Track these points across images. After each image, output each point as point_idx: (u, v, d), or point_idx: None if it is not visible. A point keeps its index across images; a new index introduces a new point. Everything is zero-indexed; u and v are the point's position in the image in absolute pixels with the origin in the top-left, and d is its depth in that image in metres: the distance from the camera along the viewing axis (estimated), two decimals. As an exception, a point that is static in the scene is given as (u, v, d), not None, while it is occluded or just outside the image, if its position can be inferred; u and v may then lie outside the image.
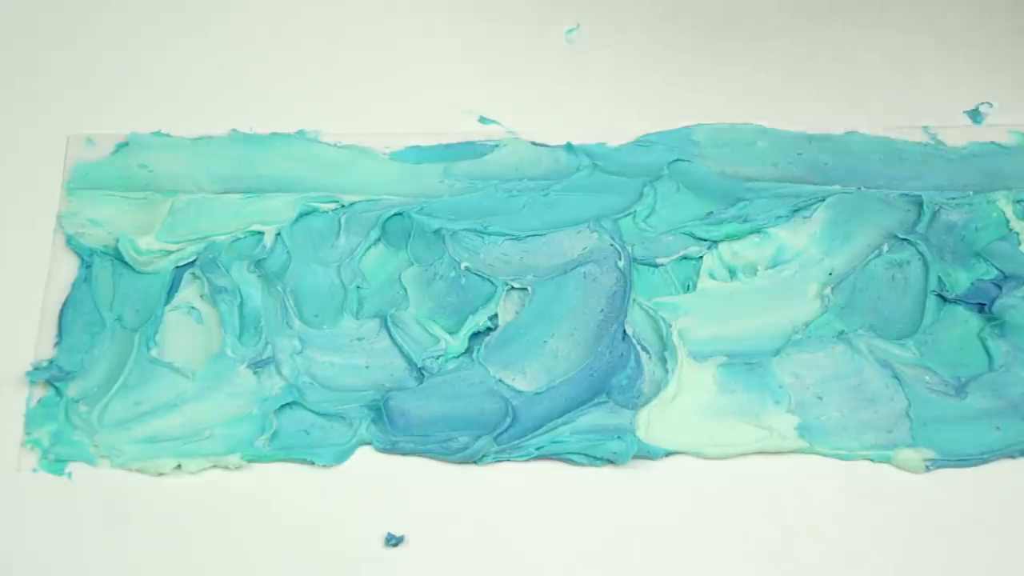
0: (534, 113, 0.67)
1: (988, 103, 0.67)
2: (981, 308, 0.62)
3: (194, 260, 0.63)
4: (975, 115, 0.67)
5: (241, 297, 0.62)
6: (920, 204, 0.64)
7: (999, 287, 0.62)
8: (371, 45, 0.70)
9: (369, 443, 0.60)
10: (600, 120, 0.67)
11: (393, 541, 0.57)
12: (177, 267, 0.63)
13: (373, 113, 0.67)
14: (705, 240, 0.64)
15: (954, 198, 0.64)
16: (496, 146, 0.66)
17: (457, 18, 0.71)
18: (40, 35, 0.70)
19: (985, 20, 0.70)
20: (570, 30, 0.70)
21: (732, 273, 0.63)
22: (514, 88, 0.68)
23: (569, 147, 0.66)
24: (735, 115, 0.67)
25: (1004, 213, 0.64)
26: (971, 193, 0.64)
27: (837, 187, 0.65)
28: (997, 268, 0.63)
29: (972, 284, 0.63)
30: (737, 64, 0.69)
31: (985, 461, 0.59)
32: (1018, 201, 0.64)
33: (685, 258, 0.63)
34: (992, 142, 0.66)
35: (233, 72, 0.69)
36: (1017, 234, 0.64)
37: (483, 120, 0.67)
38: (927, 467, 0.58)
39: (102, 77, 0.69)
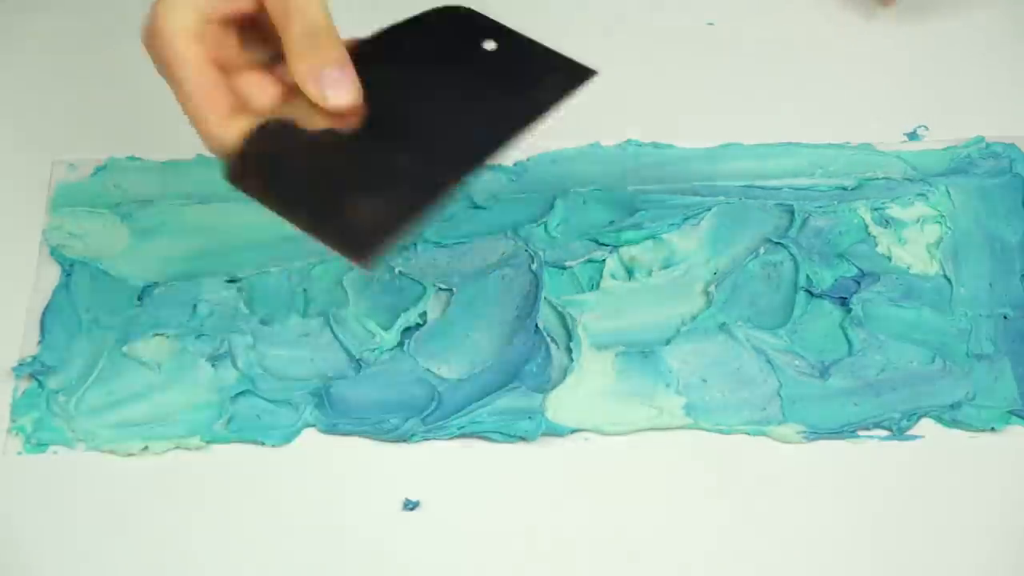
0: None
1: (925, 126, 0.69)
2: (843, 302, 0.63)
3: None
4: (912, 135, 0.68)
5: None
6: (792, 212, 0.65)
7: (858, 283, 0.63)
8: None
9: (313, 425, 0.61)
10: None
11: (410, 505, 0.59)
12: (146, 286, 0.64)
13: None
14: (607, 245, 0.65)
15: (821, 206, 0.65)
16: None
17: None
18: (29, 73, 0.71)
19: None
20: None
21: (630, 273, 0.64)
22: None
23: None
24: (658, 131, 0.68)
25: (863, 220, 0.65)
26: (836, 202, 0.65)
27: (721, 198, 0.66)
28: (856, 267, 0.64)
29: (835, 281, 0.64)
30: (667, 85, 0.70)
31: (845, 433, 0.60)
32: (875, 209, 0.65)
33: (590, 261, 0.64)
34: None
35: None
36: (874, 237, 0.65)
37: None
38: (804, 438, 0.60)
39: (83, 110, 0.69)
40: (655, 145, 0.68)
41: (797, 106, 0.69)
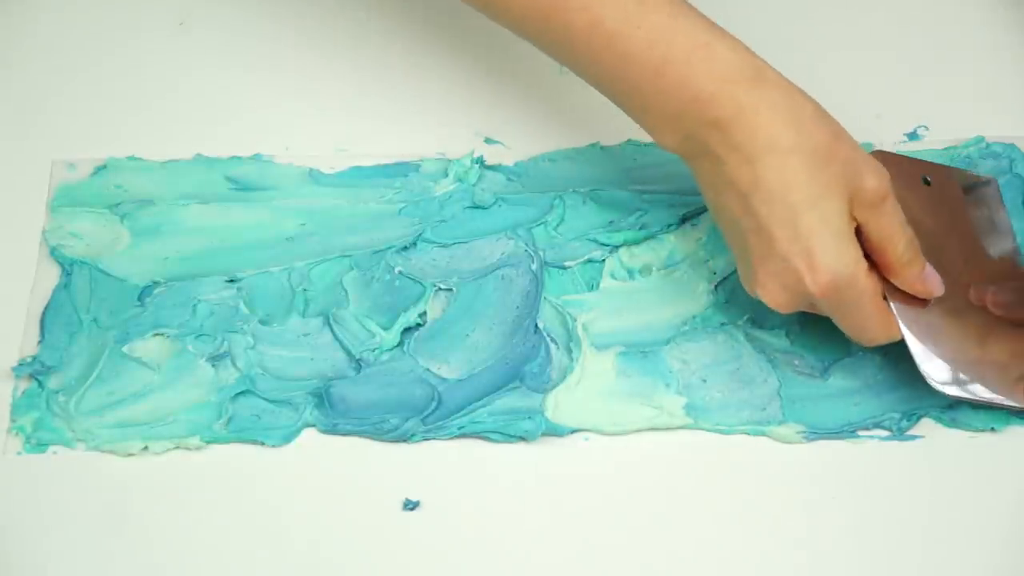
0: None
1: (925, 126, 0.69)
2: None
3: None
4: (912, 135, 0.68)
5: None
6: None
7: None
8: (323, 76, 0.71)
9: (313, 426, 0.60)
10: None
11: (410, 505, 0.59)
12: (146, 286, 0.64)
13: (323, 137, 0.68)
14: (607, 245, 0.65)
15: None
16: (420, 165, 0.67)
17: (424, 50, 0.72)
18: (29, 73, 0.71)
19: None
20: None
21: (630, 274, 0.64)
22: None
23: (480, 162, 0.67)
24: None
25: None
26: None
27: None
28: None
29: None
30: None
31: (845, 433, 0.60)
32: None
33: (590, 261, 0.64)
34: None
35: (199, 103, 0.70)
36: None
37: (488, 140, 0.68)
38: (804, 438, 0.60)
39: (83, 110, 0.69)
40: (655, 145, 0.67)
41: (797, 106, 0.69)
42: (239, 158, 0.67)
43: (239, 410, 0.61)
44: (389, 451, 0.60)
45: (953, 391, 0.59)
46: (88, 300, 0.63)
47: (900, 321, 0.59)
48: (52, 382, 0.61)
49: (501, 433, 0.60)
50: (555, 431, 0.60)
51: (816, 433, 0.60)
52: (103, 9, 0.73)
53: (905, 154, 0.65)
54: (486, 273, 0.64)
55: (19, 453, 0.60)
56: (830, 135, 0.57)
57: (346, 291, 0.63)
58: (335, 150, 0.68)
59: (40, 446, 0.60)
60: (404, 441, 0.60)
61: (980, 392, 0.59)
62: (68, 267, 0.64)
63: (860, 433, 0.60)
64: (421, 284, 0.64)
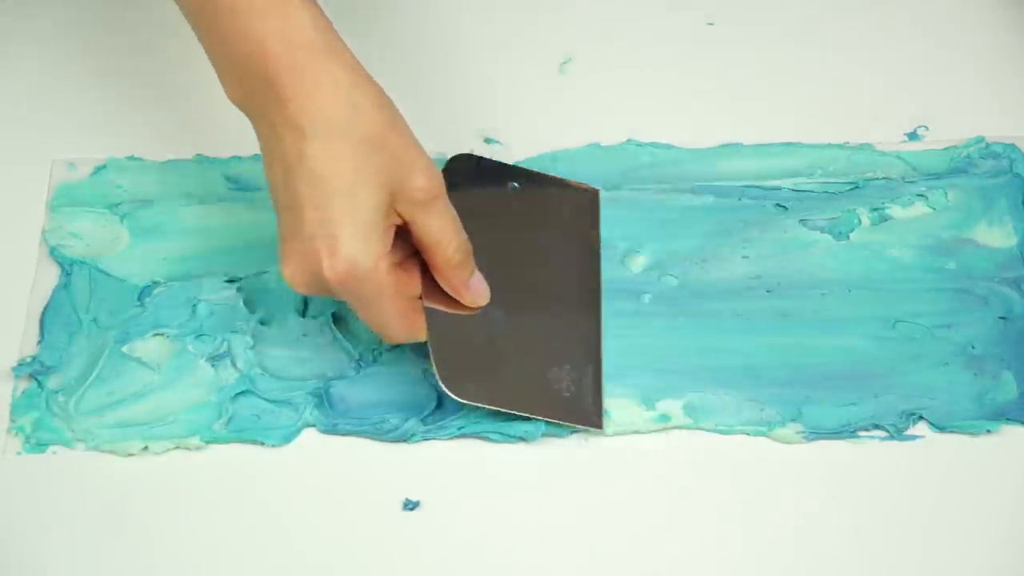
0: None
1: (925, 126, 0.69)
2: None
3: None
4: (912, 135, 0.68)
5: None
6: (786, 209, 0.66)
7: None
8: None
9: (313, 425, 0.60)
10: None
11: (410, 506, 0.59)
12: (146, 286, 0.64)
13: None
14: None
15: (820, 206, 0.66)
16: None
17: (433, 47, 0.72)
18: (29, 73, 0.71)
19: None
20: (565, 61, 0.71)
21: None
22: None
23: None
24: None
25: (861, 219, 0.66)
26: (835, 202, 0.66)
27: (711, 198, 0.66)
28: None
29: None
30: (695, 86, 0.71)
31: (845, 434, 0.60)
32: (875, 209, 0.65)
33: None
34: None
35: (198, 103, 0.69)
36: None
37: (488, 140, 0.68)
38: (804, 438, 0.60)
39: (83, 110, 0.69)
40: (655, 145, 0.68)
41: (797, 106, 0.69)
42: (239, 158, 0.67)
43: (239, 410, 0.61)
44: (389, 451, 0.60)
45: (473, 399, 0.58)
46: (88, 300, 0.63)
47: (429, 325, 0.58)
48: (52, 382, 0.61)
49: (501, 433, 0.60)
50: (555, 431, 0.60)
51: (816, 433, 0.60)
52: (104, 10, 0.73)
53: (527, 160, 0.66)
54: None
55: (19, 453, 0.60)
56: (386, 125, 0.55)
57: (346, 291, 0.64)
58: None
59: (40, 446, 0.60)
60: (404, 441, 0.60)
61: (506, 405, 0.59)
62: (68, 267, 0.64)
63: (860, 433, 0.60)
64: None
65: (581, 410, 0.60)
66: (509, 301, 0.61)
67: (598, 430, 0.60)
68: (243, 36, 0.55)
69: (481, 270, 0.59)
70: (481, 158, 0.64)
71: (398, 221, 0.56)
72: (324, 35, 0.55)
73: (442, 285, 0.59)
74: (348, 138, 0.54)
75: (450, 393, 0.58)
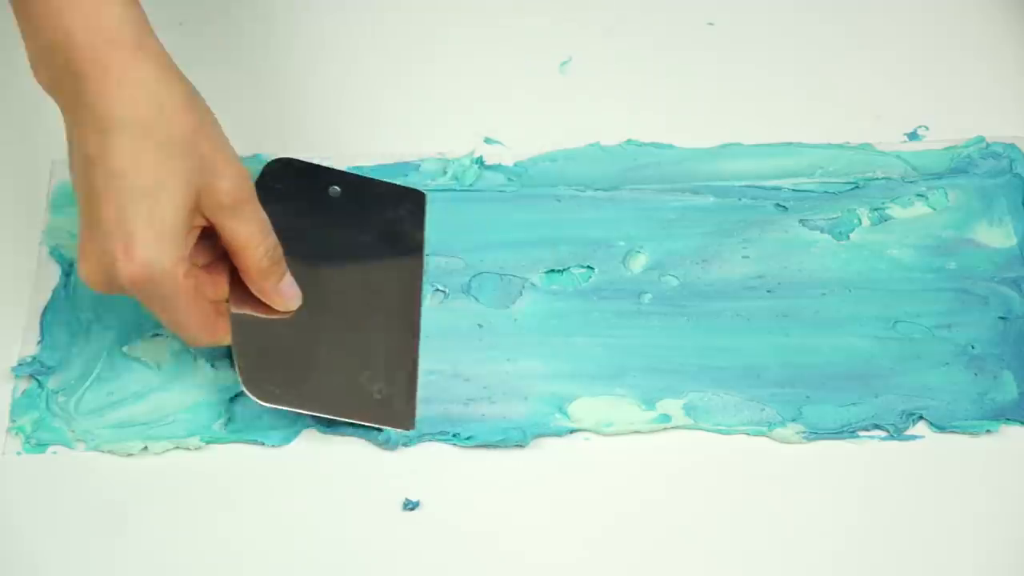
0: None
1: (925, 126, 0.69)
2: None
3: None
4: (912, 135, 0.68)
5: None
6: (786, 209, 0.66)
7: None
8: (332, 72, 0.71)
9: (312, 426, 0.60)
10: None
11: (410, 506, 0.58)
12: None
13: (324, 137, 0.68)
14: None
15: (820, 206, 0.66)
16: (420, 165, 0.67)
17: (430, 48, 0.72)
18: (29, 74, 0.70)
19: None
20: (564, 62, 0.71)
21: None
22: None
23: (480, 162, 0.67)
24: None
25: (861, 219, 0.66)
26: (835, 202, 0.66)
27: (711, 198, 0.66)
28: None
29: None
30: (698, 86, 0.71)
31: (845, 434, 0.60)
32: (875, 209, 0.66)
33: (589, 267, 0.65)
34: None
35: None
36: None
37: (488, 140, 0.68)
38: (804, 438, 0.60)
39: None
40: (655, 145, 0.68)
41: (797, 106, 0.69)
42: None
43: (239, 410, 0.61)
44: (389, 451, 0.60)
45: (276, 402, 0.58)
46: (88, 300, 0.63)
47: (235, 328, 0.58)
48: (52, 382, 0.61)
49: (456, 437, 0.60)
50: (555, 432, 0.60)
51: (816, 433, 0.60)
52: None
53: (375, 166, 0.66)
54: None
55: (19, 453, 0.60)
56: (193, 126, 0.54)
57: (343, 292, 0.64)
58: (335, 150, 0.68)
59: (40, 446, 0.60)
60: (403, 445, 0.60)
61: (313, 408, 0.59)
62: (68, 267, 0.64)
63: (860, 433, 0.60)
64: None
65: (392, 411, 0.60)
66: (324, 304, 0.61)
67: (410, 430, 0.60)
68: (52, 24, 0.54)
69: (298, 274, 0.59)
70: (301, 162, 0.64)
71: (203, 223, 0.56)
72: (135, 29, 0.54)
73: (251, 289, 0.58)
74: (152, 137, 0.53)
75: (251, 395, 0.58)
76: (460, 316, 0.63)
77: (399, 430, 0.59)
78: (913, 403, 0.61)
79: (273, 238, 0.57)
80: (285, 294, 0.59)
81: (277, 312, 0.59)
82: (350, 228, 0.64)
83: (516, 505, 0.59)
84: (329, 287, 0.61)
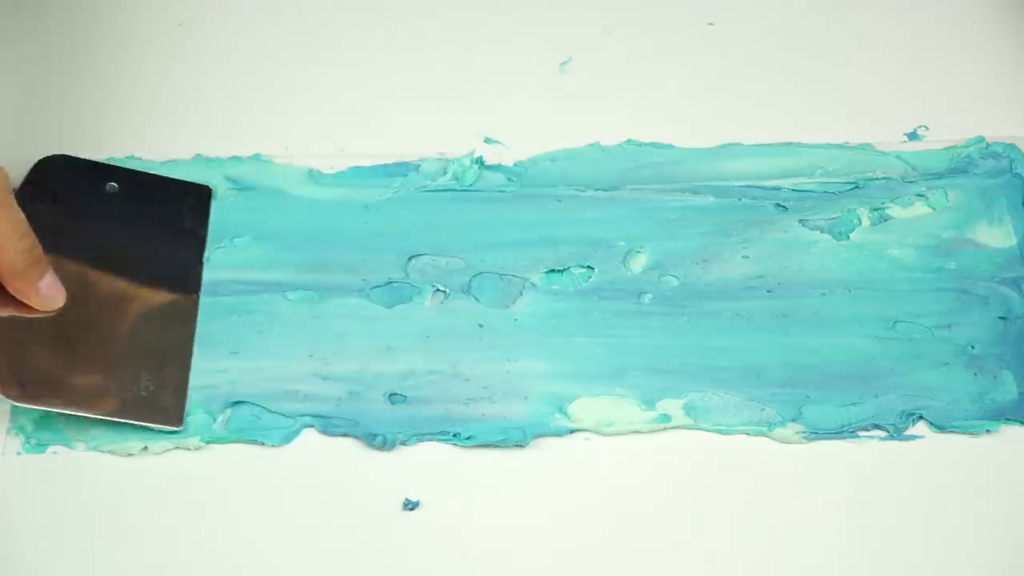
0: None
1: (925, 126, 0.69)
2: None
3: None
4: (912, 135, 0.69)
5: None
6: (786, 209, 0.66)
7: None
8: (325, 72, 0.71)
9: (312, 426, 0.60)
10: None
11: (410, 506, 0.58)
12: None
13: (323, 137, 0.68)
14: None
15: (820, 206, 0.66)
16: (420, 165, 0.67)
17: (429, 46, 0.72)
18: (28, 73, 0.71)
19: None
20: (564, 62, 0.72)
21: None
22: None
23: (480, 162, 0.67)
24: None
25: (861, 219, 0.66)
26: (835, 202, 0.66)
27: (711, 198, 0.66)
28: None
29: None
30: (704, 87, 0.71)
31: (845, 434, 0.60)
32: (875, 209, 0.66)
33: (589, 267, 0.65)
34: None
35: (198, 103, 0.70)
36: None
37: (488, 140, 0.68)
38: (804, 438, 0.60)
39: (83, 110, 0.69)
40: (655, 145, 0.68)
41: (797, 106, 0.70)
42: (239, 158, 0.67)
43: (238, 410, 0.60)
44: (387, 452, 0.60)
45: (27, 402, 0.58)
46: (86, 300, 0.63)
47: None
48: (51, 382, 0.61)
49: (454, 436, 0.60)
50: (555, 432, 0.60)
51: (816, 433, 0.60)
52: (103, 9, 0.73)
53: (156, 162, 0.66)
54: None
55: (19, 453, 0.60)
56: None
57: (343, 293, 0.63)
58: (335, 150, 0.68)
59: (40, 446, 0.60)
60: (401, 444, 0.60)
61: (69, 407, 0.58)
62: (66, 266, 0.64)
63: (860, 433, 0.60)
64: (418, 285, 0.64)
65: (158, 408, 0.59)
66: (96, 302, 0.61)
67: (176, 428, 0.60)
68: None
69: (68, 272, 0.60)
70: (78, 159, 0.64)
71: None
72: None
73: (8, 289, 0.58)
74: None
75: (2, 395, 0.58)
76: (460, 316, 0.63)
77: (164, 426, 0.59)
78: (913, 403, 0.61)
79: (31, 239, 0.57)
80: (45, 294, 0.59)
81: (40, 312, 0.59)
82: (127, 224, 0.64)
83: (516, 505, 0.59)
84: (101, 284, 0.61)
